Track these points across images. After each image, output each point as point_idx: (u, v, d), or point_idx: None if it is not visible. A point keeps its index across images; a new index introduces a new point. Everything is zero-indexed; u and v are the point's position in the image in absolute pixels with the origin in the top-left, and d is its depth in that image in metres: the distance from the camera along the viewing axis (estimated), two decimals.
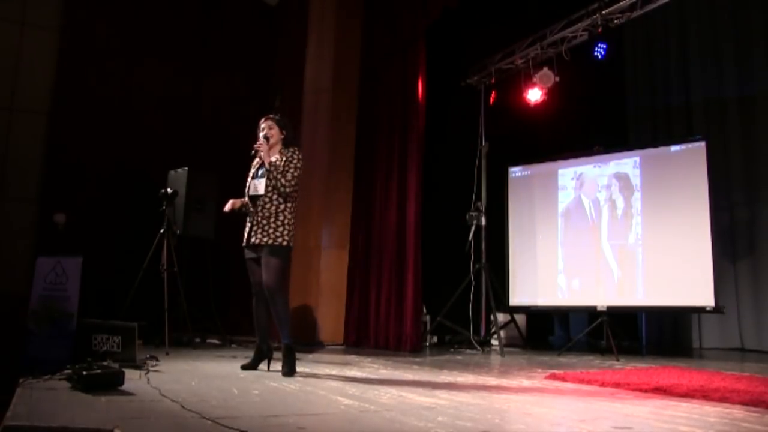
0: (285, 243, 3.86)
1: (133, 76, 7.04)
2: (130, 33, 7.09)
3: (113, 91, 6.95)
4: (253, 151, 4.01)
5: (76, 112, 6.63)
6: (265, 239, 3.83)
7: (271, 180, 3.87)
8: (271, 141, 3.96)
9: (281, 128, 4.03)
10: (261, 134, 3.99)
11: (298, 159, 3.95)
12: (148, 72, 7.09)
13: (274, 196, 3.88)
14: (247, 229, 3.94)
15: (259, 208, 3.88)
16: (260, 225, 3.86)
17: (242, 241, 3.98)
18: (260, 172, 3.97)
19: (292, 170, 3.89)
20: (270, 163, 3.88)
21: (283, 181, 3.85)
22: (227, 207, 4.00)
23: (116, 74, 7.00)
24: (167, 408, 2.49)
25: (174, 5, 7.39)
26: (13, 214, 6.16)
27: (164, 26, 7.27)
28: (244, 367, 3.91)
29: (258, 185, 3.92)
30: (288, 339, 3.81)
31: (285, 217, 3.88)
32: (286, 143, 4.02)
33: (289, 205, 3.91)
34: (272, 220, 3.85)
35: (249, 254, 3.95)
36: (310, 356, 5.11)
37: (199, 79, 7.40)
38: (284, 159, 3.91)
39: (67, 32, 6.64)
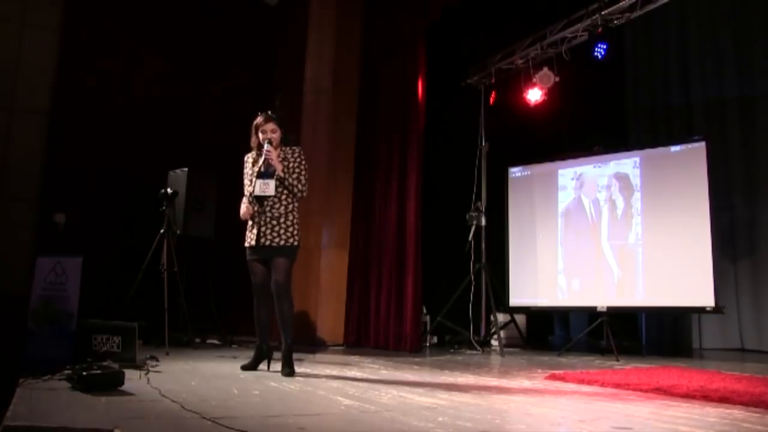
0: (296, 243, 3.88)
1: (133, 76, 7.04)
2: (130, 33, 7.09)
3: (113, 91, 6.94)
4: (262, 155, 3.91)
5: (76, 112, 6.63)
6: (277, 240, 3.82)
7: (285, 184, 3.86)
8: (274, 143, 3.93)
9: (281, 128, 4.00)
10: (264, 136, 3.91)
11: (305, 160, 3.97)
12: (148, 72, 7.08)
13: (283, 197, 3.87)
14: (254, 231, 3.87)
15: (268, 209, 3.86)
16: (269, 226, 3.83)
17: (246, 243, 3.93)
18: (265, 172, 3.90)
19: (303, 173, 3.93)
20: (283, 170, 3.86)
21: (299, 186, 3.90)
22: (247, 214, 3.90)
23: (116, 74, 6.99)
24: (167, 408, 2.49)
25: (174, 5, 7.39)
26: (13, 214, 6.15)
27: (164, 26, 7.27)
28: (244, 368, 3.91)
29: (265, 186, 3.86)
30: (291, 339, 3.82)
31: (294, 217, 3.90)
32: (284, 141, 4.01)
33: (296, 204, 3.94)
34: (282, 220, 3.84)
35: (253, 255, 3.90)
36: (310, 356, 5.10)
37: (199, 79, 7.39)
38: (292, 161, 3.91)
39: (67, 32, 6.64)
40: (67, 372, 3.04)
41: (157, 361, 4.07)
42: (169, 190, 5.62)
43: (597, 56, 6.21)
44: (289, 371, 3.68)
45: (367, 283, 6.43)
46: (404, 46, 6.45)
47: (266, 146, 3.88)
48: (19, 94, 6.37)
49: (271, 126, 3.95)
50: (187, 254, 5.88)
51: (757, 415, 2.65)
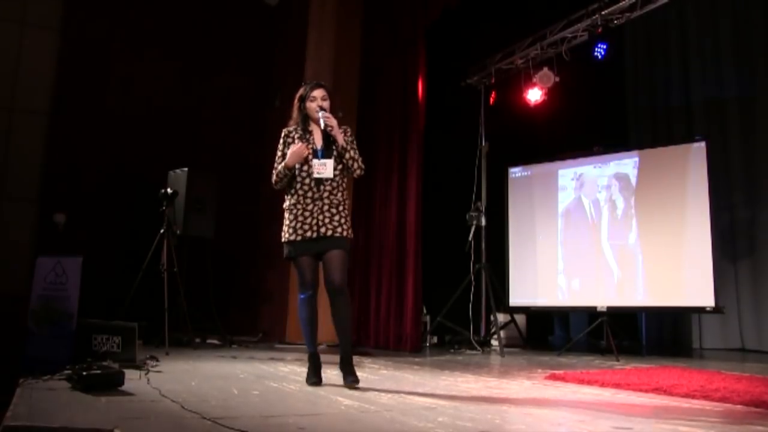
0: (352, 235, 3.41)
1: (133, 76, 7.04)
2: (130, 33, 7.09)
3: (113, 91, 6.94)
4: (308, 132, 3.42)
5: (76, 112, 6.63)
6: (339, 230, 3.30)
7: (345, 158, 3.37)
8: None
9: (331, 100, 3.44)
10: (315, 104, 3.39)
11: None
12: (148, 72, 7.08)
13: (340, 180, 3.39)
14: (308, 220, 3.30)
15: (326, 194, 3.33)
16: (328, 214, 3.30)
17: (293, 236, 3.31)
18: (321, 151, 3.36)
19: (357, 151, 3.43)
20: (342, 147, 3.35)
21: (360, 162, 3.42)
22: (301, 150, 3.31)
23: (116, 74, 7.00)
24: (167, 408, 2.49)
25: (174, 5, 7.39)
26: (13, 214, 6.16)
27: (164, 26, 7.27)
28: (312, 383, 3.35)
29: (322, 167, 3.31)
30: (350, 345, 3.39)
31: (348, 205, 3.43)
32: None
33: (346, 192, 3.48)
34: (341, 208, 3.35)
35: (304, 249, 3.31)
36: None
37: (199, 79, 7.39)
38: (347, 138, 3.41)
39: (67, 32, 6.64)
40: (67, 372, 3.04)
41: (157, 361, 4.07)
42: (169, 190, 5.61)
43: (597, 56, 6.21)
44: (355, 379, 3.24)
45: (367, 283, 6.43)
46: (404, 46, 6.45)
47: (322, 113, 3.34)
48: (19, 94, 6.37)
49: (321, 92, 3.41)
50: (187, 254, 5.88)
51: (758, 415, 2.65)
